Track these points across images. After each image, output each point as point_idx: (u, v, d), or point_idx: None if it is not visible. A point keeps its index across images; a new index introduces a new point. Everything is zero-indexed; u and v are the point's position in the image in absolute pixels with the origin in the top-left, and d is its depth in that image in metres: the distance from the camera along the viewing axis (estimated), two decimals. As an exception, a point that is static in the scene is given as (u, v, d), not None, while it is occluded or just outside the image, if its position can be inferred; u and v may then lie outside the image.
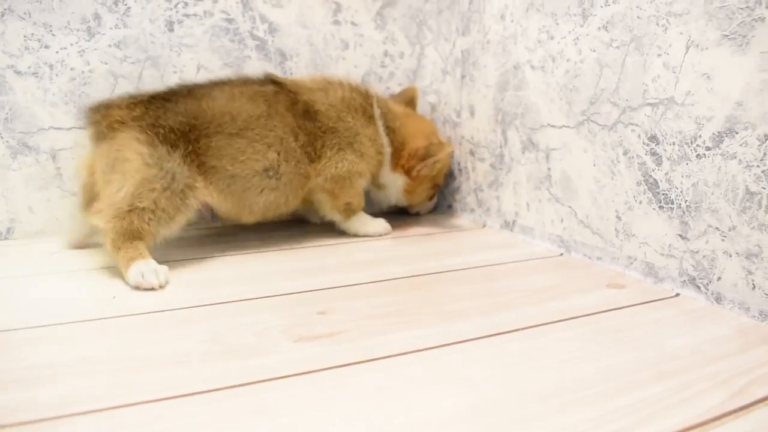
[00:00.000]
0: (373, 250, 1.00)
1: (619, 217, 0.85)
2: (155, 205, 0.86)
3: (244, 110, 0.96)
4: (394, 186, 1.15)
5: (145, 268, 0.80)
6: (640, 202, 0.82)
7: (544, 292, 0.78)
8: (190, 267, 0.90)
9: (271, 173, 0.97)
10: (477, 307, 0.72)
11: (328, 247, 1.02)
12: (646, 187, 0.81)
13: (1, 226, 1.07)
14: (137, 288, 0.79)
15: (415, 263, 0.91)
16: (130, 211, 0.84)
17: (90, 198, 0.95)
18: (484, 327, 0.66)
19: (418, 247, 1.02)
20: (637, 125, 0.81)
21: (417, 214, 1.27)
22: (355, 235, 1.08)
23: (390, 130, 1.10)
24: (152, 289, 0.79)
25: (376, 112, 1.09)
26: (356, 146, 1.05)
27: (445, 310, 0.71)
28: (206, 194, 0.92)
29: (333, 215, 1.08)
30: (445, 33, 1.26)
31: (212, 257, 0.94)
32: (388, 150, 1.10)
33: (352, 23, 1.25)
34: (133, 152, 0.87)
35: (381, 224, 1.11)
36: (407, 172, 1.13)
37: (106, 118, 0.90)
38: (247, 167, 0.95)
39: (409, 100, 1.22)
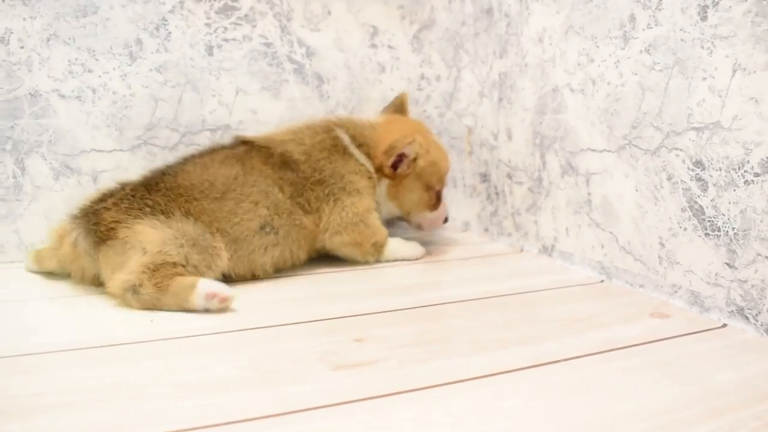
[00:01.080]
0: (409, 276, 0.99)
1: (662, 244, 0.83)
2: (186, 260, 0.83)
3: (219, 174, 0.94)
4: (381, 194, 1.09)
5: (209, 283, 0.80)
6: (685, 229, 0.79)
7: (585, 320, 0.76)
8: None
9: (267, 229, 0.95)
10: (517, 337, 0.70)
11: (363, 271, 1.01)
12: (691, 213, 0.78)
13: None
14: (207, 310, 0.79)
15: (451, 289, 0.90)
16: (162, 264, 0.81)
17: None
18: (524, 357, 0.64)
19: (454, 272, 1.01)
20: (681, 150, 0.79)
21: (419, 229, 1.16)
22: (393, 260, 1.07)
23: (365, 147, 1.06)
24: (226, 302, 0.79)
25: (345, 140, 1.05)
26: (348, 188, 1.03)
27: (484, 338, 0.70)
28: (224, 257, 0.89)
29: (367, 259, 1.05)
30: (482, 56, 1.25)
31: (244, 283, 0.94)
32: (370, 166, 1.07)
33: (389, 46, 1.26)
34: (142, 229, 0.84)
35: (415, 247, 1.09)
36: (381, 172, 1.07)
37: (102, 223, 0.85)
38: (245, 228, 0.93)
39: (398, 106, 1.17)
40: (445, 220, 1.16)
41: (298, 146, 1.03)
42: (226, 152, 0.99)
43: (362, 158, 1.06)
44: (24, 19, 1.04)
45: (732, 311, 0.74)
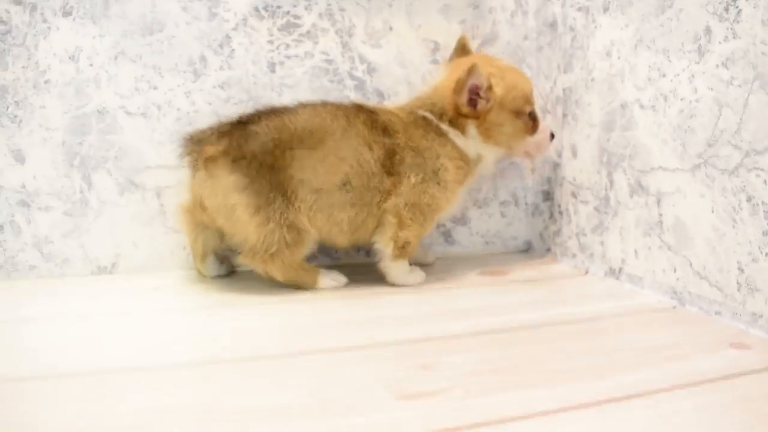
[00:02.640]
0: (470, 298, 0.96)
1: (741, 270, 0.79)
2: (284, 241, 0.93)
3: (322, 125, 0.97)
4: (475, 144, 1.05)
5: (329, 276, 1.01)
6: (767, 254, 0.75)
7: (660, 350, 0.72)
8: (285, 308, 0.90)
9: (348, 188, 0.97)
10: (589, 367, 0.67)
11: (423, 293, 0.99)
12: (773, 237, 0.74)
13: (106, 261, 1.10)
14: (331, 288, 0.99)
15: (515, 313, 0.87)
16: (272, 255, 0.94)
17: (201, 224, 1.03)
18: (597, 390, 0.61)
19: (517, 294, 0.98)
20: (762, 170, 0.75)
21: (530, 159, 1.18)
22: (392, 284, 1.02)
23: (451, 123, 1.03)
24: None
25: (433, 121, 1.03)
26: (440, 175, 1.01)
27: (554, 368, 0.67)
28: (302, 218, 0.95)
29: (386, 247, 1.01)
30: (546, 70, 1.23)
31: (306, 300, 0.93)
32: (461, 142, 1.04)
33: (451, 62, 1.24)
34: (235, 199, 0.93)
35: (419, 274, 1.05)
36: (464, 116, 1.03)
37: (200, 154, 0.95)
38: (327, 180, 0.96)
39: (460, 49, 1.13)
40: (552, 136, 1.10)
41: (401, 119, 1.03)
42: (339, 106, 1.02)
43: (452, 134, 1.03)
44: (93, 38, 1.06)
45: (819, 343, 0.70)
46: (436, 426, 0.54)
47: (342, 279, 1.02)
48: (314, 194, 0.95)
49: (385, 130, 1.01)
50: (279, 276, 0.96)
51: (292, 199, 0.94)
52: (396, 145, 1.00)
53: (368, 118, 1.01)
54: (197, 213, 1.01)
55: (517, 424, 0.55)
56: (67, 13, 1.05)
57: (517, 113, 1.04)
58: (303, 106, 1.01)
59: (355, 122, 0.99)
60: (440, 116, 1.03)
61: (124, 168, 1.09)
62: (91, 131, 1.07)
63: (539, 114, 1.10)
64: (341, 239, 1.01)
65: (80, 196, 1.08)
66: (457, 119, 1.03)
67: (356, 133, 0.98)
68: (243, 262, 0.97)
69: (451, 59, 1.14)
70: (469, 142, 1.05)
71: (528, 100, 1.05)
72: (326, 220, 0.97)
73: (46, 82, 1.05)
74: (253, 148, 0.93)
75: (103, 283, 1.05)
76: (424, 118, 1.03)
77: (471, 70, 0.98)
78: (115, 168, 1.09)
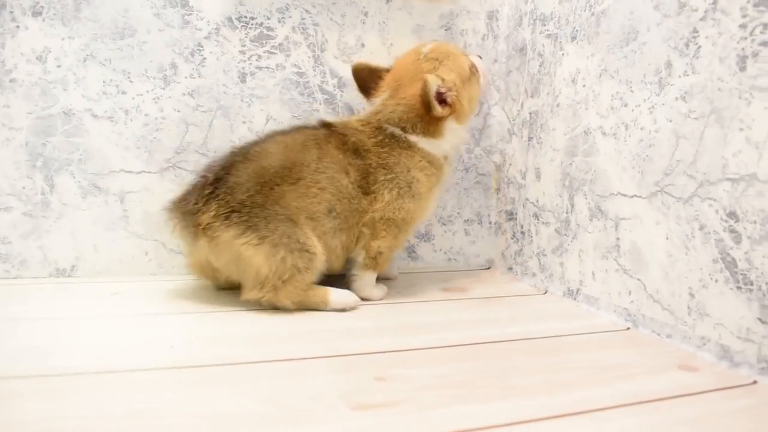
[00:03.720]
0: (430, 313, 0.97)
1: (692, 295, 0.82)
2: (297, 268, 0.92)
3: (297, 159, 0.97)
4: (452, 134, 1.06)
5: (338, 294, 0.97)
6: (716, 281, 0.78)
7: (612, 370, 0.74)
8: (244, 317, 0.89)
9: (334, 214, 0.98)
10: (542, 384, 0.69)
11: (384, 307, 1.00)
12: (723, 265, 0.77)
13: (66, 263, 1.09)
14: (343, 309, 0.96)
15: (474, 329, 0.88)
16: (284, 281, 0.92)
17: (216, 275, 1.01)
18: (550, 406, 0.63)
19: (477, 311, 0.99)
20: (715, 200, 0.78)
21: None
22: (356, 295, 1.01)
23: (409, 124, 1.03)
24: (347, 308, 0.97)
25: (398, 134, 1.03)
26: (414, 188, 1.02)
27: (508, 384, 0.68)
28: (312, 239, 0.95)
29: (358, 255, 1.03)
30: (513, 93, 1.25)
31: (266, 310, 0.93)
32: (428, 145, 1.04)
33: (421, 81, 1.26)
34: (238, 246, 0.91)
35: (382, 288, 1.07)
36: (439, 120, 1.03)
37: (197, 225, 0.93)
38: (316, 210, 0.96)
39: (367, 74, 1.10)
40: (480, 57, 1.13)
41: (369, 138, 1.03)
42: (308, 134, 1.02)
43: (423, 142, 1.04)
44: (62, 39, 1.05)
45: (763, 368, 0.72)
46: (390, 437, 0.54)
47: (353, 298, 0.99)
48: (311, 221, 0.96)
49: (357, 152, 1.02)
50: (289, 302, 0.93)
51: (298, 224, 0.94)
52: (369, 165, 1.01)
53: (339, 141, 1.02)
54: (208, 270, 1.00)
55: (469, 437, 0.56)
56: (36, 13, 1.04)
57: (468, 79, 1.07)
58: (273, 141, 1.00)
59: (327, 149, 1.00)
60: (408, 129, 1.03)
61: (88, 171, 1.08)
62: (56, 133, 1.06)
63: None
64: (337, 264, 1.02)
65: (41, 198, 1.07)
66: (433, 125, 1.03)
67: (330, 160, 0.99)
68: (249, 297, 0.93)
69: (377, 74, 1.11)
70: (446, 137, 1.05)
71: (466, 63, 1.07)
72: (324, 247, 0.97)
73: (11, 81, 1.04)
74: (240, 198, 0.92)
75: (62, 286, 1.04)
76: (393, 135, 1.04)
77: (424, 87, 0.99)
78: (79, 171, 1.08)
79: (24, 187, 1.06)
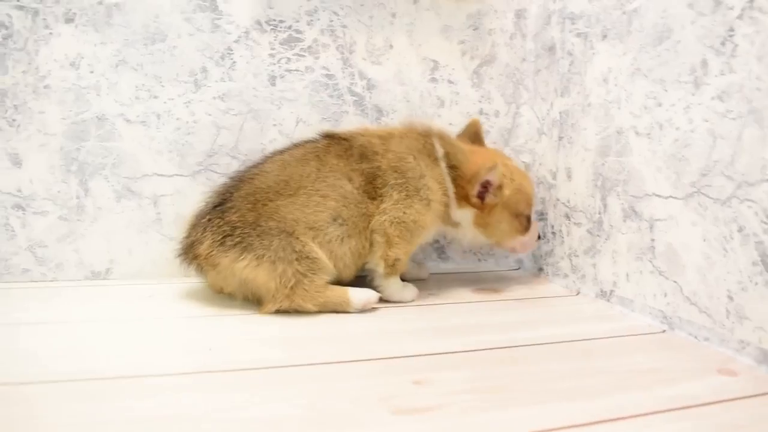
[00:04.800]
0: (463, 314, 0.97)
1: (731, 297, 0.81)
2: (300, 273, 0.92)
3: (294, 173, 0.98)
4: (466, 221, 1.08)
5: (359, 292, 0.97)
6: (756, 284, 0.77)
7: (650, 374, 0.73)
8: (280, 321, 0.90)
9: (340, 221, 0.98)
10: (580, 388, 0.68)
11: (416, 308, 1.00)
12: (763, 267, 0.76)
13: (100, 266, 1.10)
14: (364, 307, 0.96)
15: (508, 332, 0.88)
16: (292, 287, 0.92)
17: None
18: (590, 412, 0.62)
19: (509, 313, 0.99)
20: (754, 201, 0.77)
21: (513, 252, 1.16)
22: (387, 300, 1.02)
23: (452, 168, 1.06)
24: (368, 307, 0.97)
25: (439, 152, 1.05)
26: (423, 192, 1.02)
27: (545, 389, 0.68)
28: (312, 246, 0.95)
29: (377, 266, 1.02)
30: (543, 93, 1.24)
31: (300, 313, 0.94)
32: (451, 188, 1.06)
33: (449, 81, 1.25)
34: (240, 270, 0.92)
35: (412, 290, 1.06)
36: (469, 201, 1.06)
37: (198, 258, 0.95)
38: (318, 218, 0.96)
39: (473, 135, 1.16)
40: (539, 237, 1.16)
41: (383, 141, 1.04)
42: (307, 148, 1.03)
43: (447, 178, 1.06)
44: (95, 45, 1.07)
45: (805, 372, 0.71)
46: (432, 444, 0.55)
47: (374, 296, 0.98)
48: (311, 231, 0.96)
49: (363, 155, 1.02)
50: (309, 305, 0.93)
51: (295, 236, 0.94)
52: (376, 168, 1.01)
53: (340, 149, 1.02)
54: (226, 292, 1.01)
55: (511, 444, 0.56)
56: (69, 20, 1.05)
57: (517, 215, 1.09)
58: (271, 161, 1.02)
59: (326, 159, 1.01)
60: (449, 162, 1.06)
61: (122, 175, 1.10)
62: (90, 137, 1.08)
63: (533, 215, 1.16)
64: (347, 273, 1.01)
65: (76, 202, 1.08)
66: (460, 193, 1.06)
67: (331, 168, 1.00)
68: (266, 311, 0.93)
69: (462, 137, 1.16)
70: (460, 215, 1.08)
71: (529, 203, 1.10)
72: (330, 255, 0.97)
73: (45, 87, 1.05)
74: (232, 219, 0.94)
75: (97, 288, 1.05)
76: (430, 144, 1.05)
77: (492, 169, 1.02)
78: (113, 175, 1.09)
79: (59, 192, 1.07)
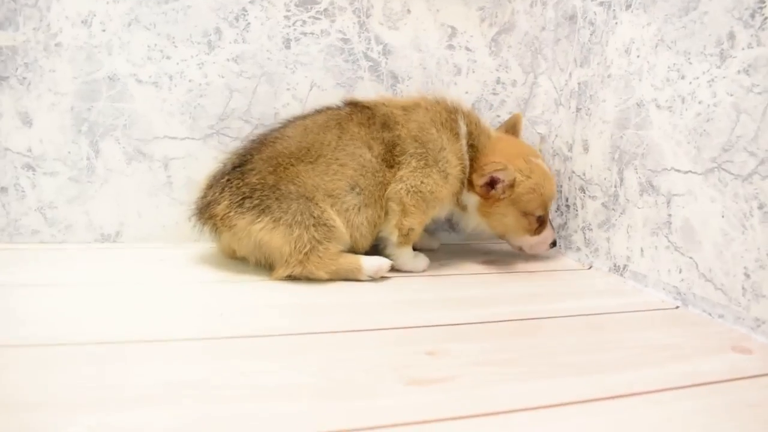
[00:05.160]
0: (474, 286, 0.97)
1: (747, 275, 0.79)
2: (315, 239, 0.92)
3: (316, 140, 0.98)
4: (471, 206, 1.07)
5: (371, 260, 0.96)
6: (775, 262, 0.76)
7: (664, 350, 0.73)
8: (291, 288, 0.89)
9: (357, 190, 0.97)
10: (593, 362, 0.68)
11: (428, 279, 0.99)
12: (783, 245, 0.75)
13: (110, 229, 1.10)
14: (376, 275, 0.96)
15: (520, 304, 0.88)
16: (306, 254, 0.92)
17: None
18: (602, 386, 0.62)
19: (521, 285, 0.98)
20: (777, 178, 0.75)
21: (520, 251, 1.14)
22: (399, 270, 1.02)
23: (472, 148, 1.05)
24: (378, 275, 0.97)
25: (462, 129, 1.04)
26: (442, 164, 1.01)
27: (559, 362, 0.68)
28: (330, 213, 0.95)
29: (391, 234, 1.01)
30: (561, 63, 1.22)
31: (311, 281, 0.93)
32: (467, 168, 1.05)
33: (467, 48, 1.23)
34: (256, 232, 0.92)
35: (423, 259, 1.05)
36: (473, 188, 1.05)
37: (214, 217, 0.94)
38: (336, 186, 0.96)
39: (511, 126, 1.16)
40: (553, 244, 1.12)
41: (406, 112, 1.03)
42: (330, 114, 1.02)
43: (465, 156, 1.04)
44: (107, 3, 1.05)
45: (822, 352, 0.70)
46: (445, 414, 0.54)
47: (385, 261, 0.98)
48: (330, 198, 0.95)
49: (385, 125, 1.01)
50: (321, 272, 0.93)
51: (314, 201, 0.94)
52: (397, 137, 1.00)
53: (363, 117, 1.01)
54: (239, 257, 1.01)
55: (522, 415, 0.55)
56: (81, -24, 1.03)
57: (525, 213, 1.07)
58: (292, 125, 1.01)
59: (348, 126, 1.00)
60: (469, 142, 1.05)
61: (133, 137, 1.09)
62: (101, 98, 1.06)
63: (550, 219, 1.14)
64: (363, 243, 1.00)
65: (87, 163, 1.07)
66: (474, 176, 1.05)
67: (351, 136, 0.99)
68: (278, 276, 0.93)
69: (501, 128, 1.16)
70: (469, 198, 1.07)
71: (543, 205, 1.07)
72: (347, 224, 0.96)
73: (57, 45, 1.04)
74: (252, 181, 0.93)
75: (106, 251, 1.05)
76: (453, 120, 1.04)
77: (499, 169, 1.01)
78: (124, 136, 1.08)
79: (69, 152, 1.06)
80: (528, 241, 1.11)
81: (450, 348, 0.69)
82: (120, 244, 1.10)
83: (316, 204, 0.93)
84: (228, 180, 0.95)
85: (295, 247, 0.91)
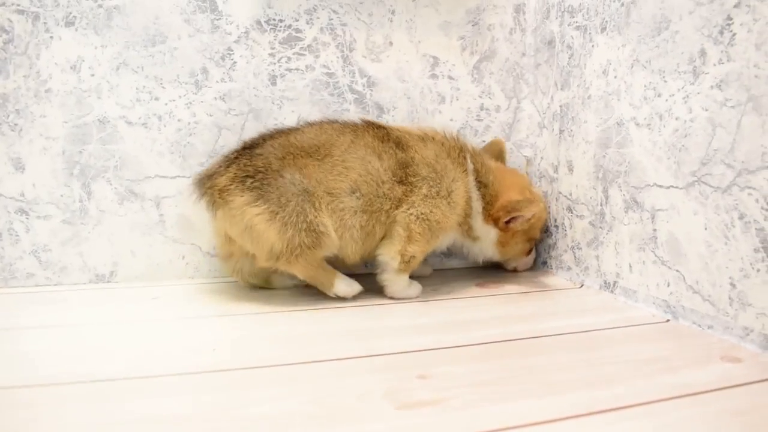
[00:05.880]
0: (466, 309, 0.98)
1: (733, 285, 0.81)
2: (305, 244, 0.95)
3: (327, 140, 1.00)
4: (488, 238, 1.11)
5: (345, 282, 1.01)
6: (758, 270, 0.77)
7: (653, 363, 0.73)
8: (285, 319, 0.90)
9: (357, 195, 0.99)
10: (584, 379, 0.69)
11: (420, 304, 1.00)
12: (764, 254, 0.76)
13: (105, 269, 1.11)
14: (344, 296, 1.01)
15: (513, 325, 0.88)
16: (297, 256, 0.96)
17: (232, 252, 1.05)
18: (592, 402, 0.62)
19: (514, 307, 0.99)
20: (754, 189, 0.77)
21: (514, 271, 1.24)
22: (391, 297, 1.03)
23: (482, 185, 1.08)
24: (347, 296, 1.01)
25: (469, 166, 1.07)
26: (453, 196, 1.03)
27: (550, 380, 0.68)
28: (322, 217, 0.97)
29: (392, 260, 1.02)
30: (543, 87, 1.24)
31: (305, 310, 0.95)
32: (478, 204, 1.08)
33: (449, 77, 1.26)
34: (251, 215, 0.94)
35: (417, 286, 1.06)
36: (496, 223, 1.09)
37: (214, 188, 0.97)
38: (337, 186, 0.98)
39: (497, 153, 1.19)
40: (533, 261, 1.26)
41: (422, 140, 1.06)
42: (349, 123, 1.06)
43: (474, 190, 1.08)
44: (95, 48, 1.07)
45: (810, 358, 0.71)
46: (436, 435, 0.55)
47: (357, 286, 1.02)
48: (328, 196, 0.97)
49: (399, 144, 1.03)
50: (300, 273, 0.99)
51: (312, 198, 0.96)
52: (411, 159, 1.02)
53: (378, 133, 1.04)
54: (229, 247, 1.03)
55: (515, 434, 0.56)
56: (69, 23, 1.06)
57: (530, 239, 1.17)
58: (310, 125, 1.04)
59: (363, 135, 1.02)
60: (478, 180, 1.09)
61: (124, 177, 1.10)
62: (92, 141, 1.08)
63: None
64: (352, 248, 1.01)
65: (79, 205, 1.08)
66: (489, 211, 1.10)
67: (364, 144, 1.01)
68: (263, 265, 0.99)
69: (485, 153, 1.18)
70: (483, 228, 1.11)
71: (542, 229, 1.20)
72: (339, 223, 0.98)
73: (47, 91, 1.06)
74: (258, 164, 0.96)
75: (101, 292, 1.06)
76: (463, 158, 1.08)
77: (529, 207, 1.07)
78: (115, 177, 1.10)
79: (62, 195, 1.08)
80: (523, 260, 1.23)
81: (441, 371, 0.70)
82: (114, 284, 1.11)
83: (314, 202, 0.96)
84: (236, 157, 0.97)
85: (286, 247, 0.94)
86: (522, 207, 1.07)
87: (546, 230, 1.24)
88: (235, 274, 1.07)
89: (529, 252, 1.21)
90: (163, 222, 1.13)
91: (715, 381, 0.68)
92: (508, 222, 1.09)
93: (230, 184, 0.95)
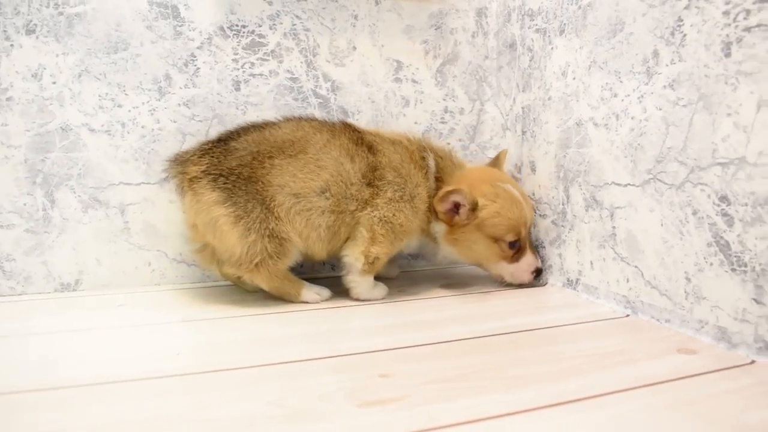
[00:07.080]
0: (431, 309, 0.99)
1: (688, 279, 0.83)
2: (267, 252, 0.96)
3: (303, 136, 1.01)
4: (440, 236, 1.08)
5: (312, 289, 1.03)
6: (711, 264, 0.79)
7: (612, 356, 0.75)
8: (251, 323, 0.90)
9: (327, 195, 0.99)
10: (543, 373, 0.70)
11: (385, 305, 1.01)
12: (717, 248, 0.78)
13: (69, 278, 1.10)
14: (312, 302, 1.02)
15: (476, 323, 0.90)
16: (257, 264, 0.97)
17: (203, 241, 1.05)
18: (551, 394, 0.64)
19: (478, 305, 1.01)
20: (706, 185, 0.79)
21: (503, 281, 1.12)
22: (356, 299, 1.04)
23: (438, 180, 1.08)
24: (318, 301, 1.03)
25: (431, 166, 1.08)
26: (415, 201, 1.04)
27: (510, 375, 0.69)
28: (282, 225, 0.97)
29: (356, 261, 1.02)
30: (505, 89, 1.26)
31: (271, 313, 0.95)
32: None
33: (413, 81, 1.27)
34: (216, 213, 0.95)
35: (382, 288, 1.07)
36: (437, 216, 1.07)
37: (184, 174, 0.98)
38: (306, 186, 0.98)
39: (495, 161, 1.19)
40: (537, 272, 1.11)
41: (392, 144, 1.07)
42: (326, 123, 1.06)
43: (433, 191, 1.08)
44: (57, 56, 1.06)
45: (760, 347, 0.73)
46: (397, 430, 0.56)
47: (325, 293, 1.04)
48: (293, 198, 0.97)
49: (370, 148, 1.04)
50: (264, 285, 1.00)
51: (271, 206, 0.96)
52: (378, 162, 1.03)
53: (354, 136, 1.04)
54: (199, 235, 1.02)
55: (473, 426, 0.57)
56: (30, 31, 1.05)
57: (495, 239, 1.07)
58: (288, 120, 1.05)
59: (339, 136, 1.03)
60: (437, 174, 1.09)
61: (88, 185, 1.10)
62: (54, 149, 1.07)
63: (533, 245, 1.15)
64: (319, 247, 1.02)
65: (43, 214, 1.08)
66: (436, 203, 1.06)
67: (339, 144, 1.02)
68: (229, 272, 1.01)
69: (490, 164, 1.19)
70: (433, 227, 1.09)
71: (512, 229, 1.06)
72: (305, 224, 0.99)
73: (8, 99, 1.05)
74: (231, 164, 0.96)
75: (67, 300, 1.05)
76: (423, 158, 1.08)
77: (459, 192, 1.02)
78: (79, 185, 1.09)
79: (25, 204, 1.07)
80: (506, 269, 1.10)
81: (403, 369, 0.71)
82: (80, 293, 1.10)
83: (272, 212, 0.96)
84: (210, 148, 0.98)
85: (247, 252, 0.95)
86: (451, 195, 1.02)
87: (541, 274, 1.22)
88: (213, 266, 1.08)
89: (512, 259, 1.09)
90: (128, 229, 1.12)
91: (671, 372, 0.70)
92: (450, 213, 1.05)
93: (201, 177, 0.95)
